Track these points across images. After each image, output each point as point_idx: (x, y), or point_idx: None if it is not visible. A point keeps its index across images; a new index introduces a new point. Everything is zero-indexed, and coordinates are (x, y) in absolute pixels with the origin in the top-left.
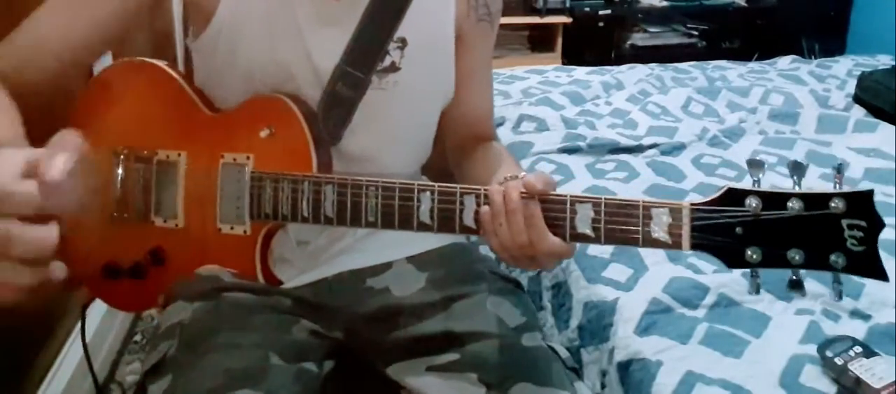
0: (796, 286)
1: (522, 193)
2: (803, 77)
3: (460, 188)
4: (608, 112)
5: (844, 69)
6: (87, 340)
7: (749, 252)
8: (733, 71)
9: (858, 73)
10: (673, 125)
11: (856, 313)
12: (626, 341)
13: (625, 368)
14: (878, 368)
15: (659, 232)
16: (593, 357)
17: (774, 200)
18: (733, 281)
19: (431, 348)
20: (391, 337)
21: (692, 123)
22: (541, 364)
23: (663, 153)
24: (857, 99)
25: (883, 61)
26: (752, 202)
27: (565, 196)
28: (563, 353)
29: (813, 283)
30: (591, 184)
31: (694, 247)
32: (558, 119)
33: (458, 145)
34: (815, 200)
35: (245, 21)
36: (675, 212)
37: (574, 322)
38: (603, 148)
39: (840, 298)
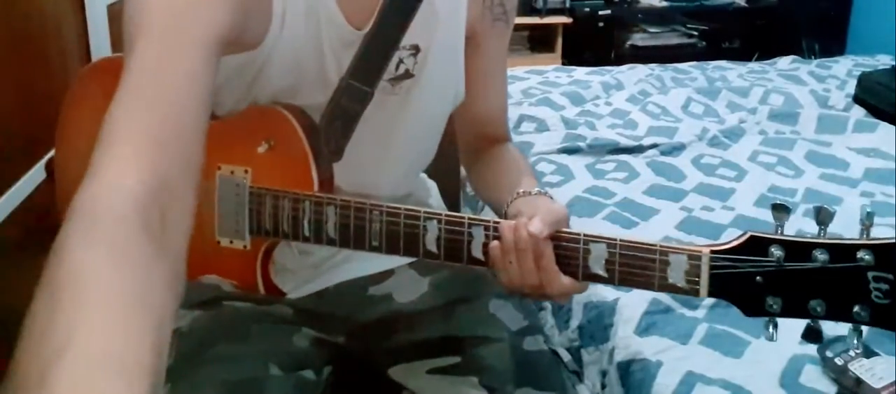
0: (813, 335)
1: (531, 234)
2: (803, 77)
3: (468, 219)
4: (608, 112)
5: (844, 69)
6: None
7: (769, 301)
8: (733, 71)
9: (858, 73)
10: (673, 125)
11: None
12: (626, 341)
13: (625, 368)
14: (878, 368)
15: (675, 278)
16: (593, 357)
17: (799, 249)
18: None
19: (433, 351)
20: (393, 341)
21: (692, 123)
22: (543, 368)
23: (663, 153)
24: (857, 99)
25: (883, 61)
26: (776, 252)
27: (579, 235)
28: (565, 356)
29: None
30: (591, 184)
31: (711, 294)
32: (558, 119)
33: (471, 146)
34: (842, 251)
35: (280, 53)
36: (693, 258)
37: (574, 322)
38: (603, 148)
39: (858, 346)
